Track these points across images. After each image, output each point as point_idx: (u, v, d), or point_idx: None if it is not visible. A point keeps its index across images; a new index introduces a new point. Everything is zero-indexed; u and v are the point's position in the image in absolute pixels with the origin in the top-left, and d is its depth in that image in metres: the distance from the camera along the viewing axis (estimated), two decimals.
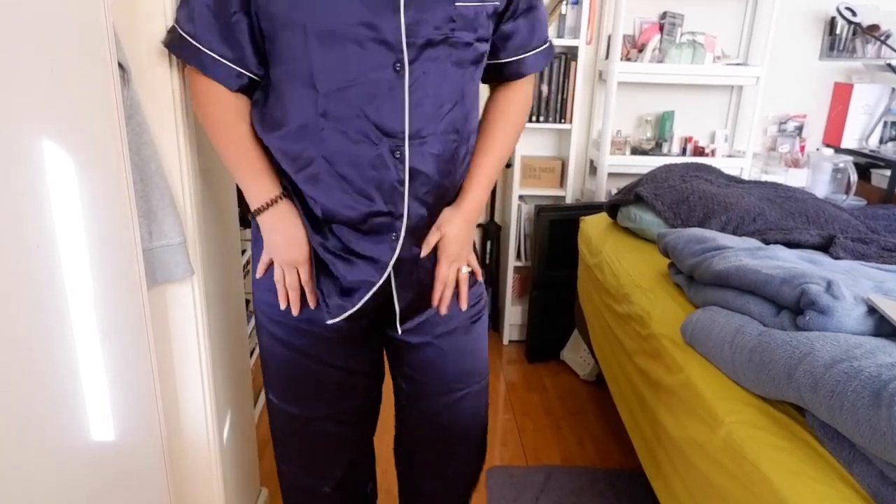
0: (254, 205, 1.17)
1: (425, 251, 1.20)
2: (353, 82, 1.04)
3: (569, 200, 3.03)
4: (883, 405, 0.97)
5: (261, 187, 1.16)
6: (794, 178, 2.96)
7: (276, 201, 1.16)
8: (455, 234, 1.21)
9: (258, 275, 1.24)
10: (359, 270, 1.17)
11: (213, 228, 1.45)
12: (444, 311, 1.26)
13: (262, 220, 1.17)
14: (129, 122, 1.14)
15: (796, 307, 1.29)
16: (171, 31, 1.12)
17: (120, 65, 1.09)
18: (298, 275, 1.19)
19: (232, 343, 1.60)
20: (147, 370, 1.19)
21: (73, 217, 0.93)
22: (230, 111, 1.14)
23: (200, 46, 1.08)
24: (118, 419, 1.06)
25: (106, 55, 1.03)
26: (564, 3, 2.77)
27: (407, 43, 1.04)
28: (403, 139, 1.09)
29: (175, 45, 1.11)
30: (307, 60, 1.04)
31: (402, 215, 1.14)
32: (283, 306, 1.22)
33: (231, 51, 1.08)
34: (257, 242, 1.25)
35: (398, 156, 1.09)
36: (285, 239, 1.17)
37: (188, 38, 1.08)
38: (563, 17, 2.81)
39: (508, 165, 3.03)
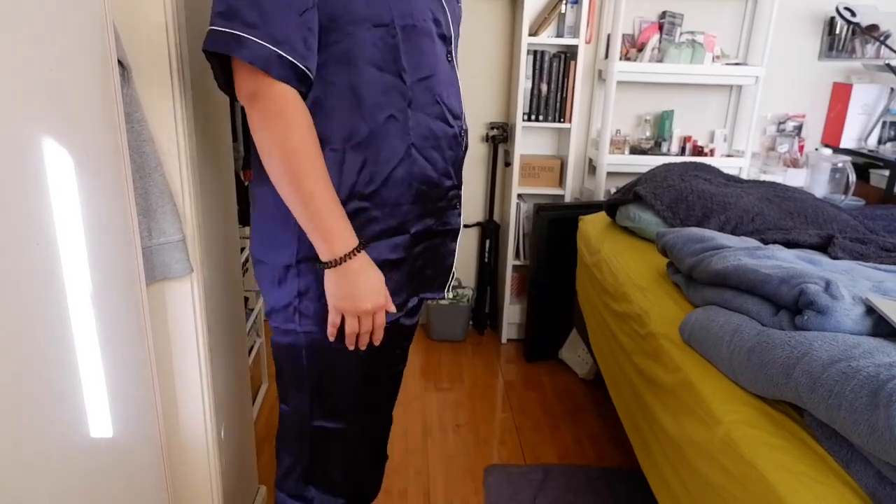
0: (340, 250, 1.06)
1: None
2: (432, 71, 1.13)
3: (568, 199, 3.03)
4: (881, 405, 0.98)
5: (347, 230, 1.07)
6: (793, 178, 2.97)
7: (362, 247, 1.09)
8: None
9: (333, 338, 1.15)
10: (444, 248, 1.28)
11: (213, 226, 1.45)
12: None
13: (350, 268, 1.08)
14: (129, 119, 1.14)
15: (795, 307, 1.30)
16: (224, 27, 0.97)
17: (120, 62, 1.09)
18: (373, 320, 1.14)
19: (231, 340, 1.60)
20: (146, 367, 1.19)
21: (72, 214, 0.93)
22: (311, 128, 1.05)
23: (278, 49, 0.98)
24: (116, 416, 1.06)
25: (106, 52, 1.03)
26: (564, 2, 2.77)
27: (453, 37, 1.19)
28: (462, 119, 1.24)
29: (236, 45, 0.97)
30: (393, 55, 1.08)
31: (461, 184, 1.27)
32: (351, 347, 1.16)
33: (308, 51, 1.02)
34: (309, 296, 1.15)
35: (462, 134, 1.23)
36: (372, 285, 1.10)
37: (256, 37, 0.96)
38: (562, 17, 2.81)
39: (507, 164, 3.03)
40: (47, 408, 0.88)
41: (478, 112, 3.08)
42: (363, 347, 1.15)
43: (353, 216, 1.10)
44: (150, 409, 1.21)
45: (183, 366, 1.37)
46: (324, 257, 1.07)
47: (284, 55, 0.98)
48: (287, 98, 1.01)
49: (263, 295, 1.22)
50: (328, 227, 1.05)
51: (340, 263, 1.07)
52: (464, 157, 1.26)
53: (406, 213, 1.16)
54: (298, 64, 1.00)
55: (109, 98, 1.04)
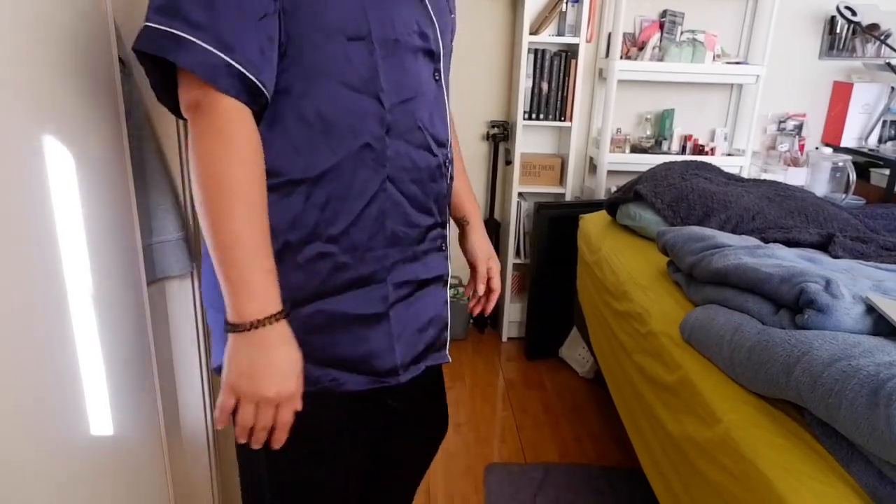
0: (253, 313, 0.84)
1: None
2: (414, 93, 0.99)
3: (568, 198, 3.03)
4: (881, 404, 0.98)
5: (270, 290, 0.86)
6: (794, 177, 2.97)
7: (283, 315, 0.87)
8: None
9: (220, 425, 0.89)
10: (430, 297, 1.09)
11: None
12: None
13: (258, 338, 0.85)
14: (130, 117, 1.14)
15: (795, 306, 1.30)
16: (163, 24, 0.80)
17: (121, 59, 1.09)
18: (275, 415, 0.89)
19: None
20: (146, 365, 1.19)
21: (73, 212, 0.93)
22: (257, 156, 0.86)
23: (226, 56, 0.81)
24: (117, 414, 1.06)
25: (107, 50, 1.03)
26: (564, 0, 2.77)
27: (442, 53, 1.04)
28: (448, 146, 1.08)
29: (176, 48, 0.80)
30: (371, 73, 0.93)
31: (446, 222, 1.11)
32: (241, 441, 0.90)
33: (264, 63, 0.85)
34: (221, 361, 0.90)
35: (447, 164, 1.07)
36: (283, 366, 0.87)
37: (201, 39, 0.80)
38: (563, 15, 2.81)
39: (508, 162, 3.03)
40: (48, 406, 0.88)
41: (478, 110, 3.08)
42: (257, 446, 0.90)
43: (315, 261, 0.94)
44: (151, 407, 1.21)
45: (183, 363, 1.37)
46: (231, 318, 0.85)
47: (234, 64, 0.81)
48: (231, 115, 0.83)
49: (214, 349, 1.01)
50: (246, 280, 0.84)
51: (249, 329, 0.84)
52: (450, 191, 1.11)
53: (381, 258, 0.99)
54: (251, 76, 0.83)
55: (111, 96, 1.04)
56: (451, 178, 1.11)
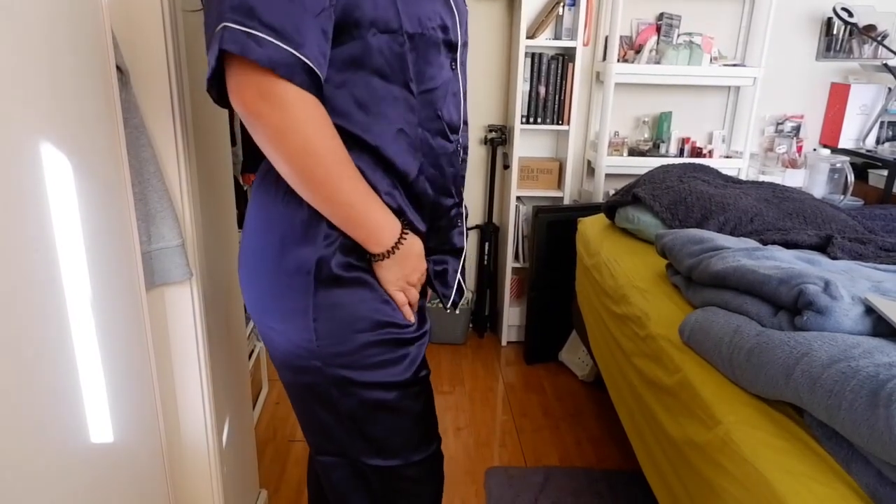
0: (391, 238, 1.03)
1: None
2: (435, 84, 1.07)
3: (566, 201, 3.03)
4: (881, 405, 0.98)
5: (389, 217, 1.04)
6: (792, 179, 2.97)
7: (404, 227, 1.06)
8: None
9: (412, 318, 1.12)
10: (450, 266, 1.23)
11: (212, 230, 1.45)
12: None
13: (401, 253, 1.05)
14: (128, 124, 1.14)
15: (794, 307, 1.30)
16: (240, 24, 0.86)
17: (118, 67, 1.09)
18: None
19: (231, 345, 1.60)
20: (146, 372, 1.19)
21: (71, 220, 0.93)
22: (331, 127, 0.96)
23: (298, 53, 0.88)
24: (117, 421, 1.06)
25: (104, 57, 1.03)
26: (561, 4, 2.77)
27: (459, 43, 1.13)
28: (461, 133, 1.18)
29: (253, 47, 0.86)
30: (400, 64, 1.00)
31: (462, 201, 1.22)
32: (412, 319, 1.12)
33: (321, 56, 0.93)
34: (360, 292, 1.06)
35: (460, 149, 1.18)
36: (418, 252, 1.09)
37: (277, 39, 0.86)
38: (559, 19, 2.81)
39: (506, 166, 3.04)
40: (48, 413, 0.88)
41: (476, 115, 3.09)
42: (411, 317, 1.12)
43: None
44: (151, 414, 1.21)
45: (183, 370, 1.37)
46: (376, 249, 1.03)
47: (305, 60, 0.88)
48: (305, 98, 0.91)
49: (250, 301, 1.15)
50: (374, 221, 1.01)
51: (393, 253, 1.04)
52: (464, 172, 1.23)
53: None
54: (316, 70, 0.91)
55: (108, 103, 1.05)
56: (465, 161, 1.22)
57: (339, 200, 0.98)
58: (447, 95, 1.10)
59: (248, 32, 0.85)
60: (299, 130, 0.91)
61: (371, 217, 1.01)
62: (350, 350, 1.05)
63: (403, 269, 1.07)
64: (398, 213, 1.06)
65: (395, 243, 1.04)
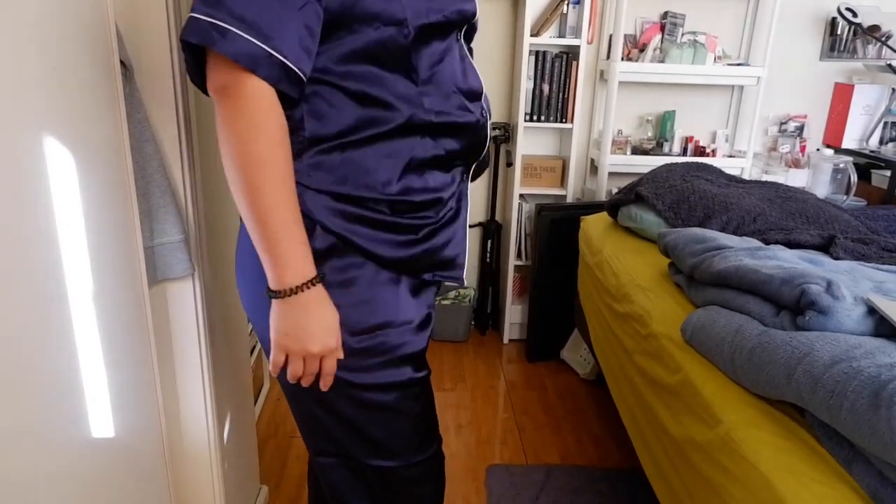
0: (291, 280, 0.94)
1: None
2: (440, 60, 1.03)
3: (569, 200, 3.03)
4: (882, 405, 0.97)
5: (304, 258, 0.95)
6: (795, 179, 2.97)
7: (318, 279, 0.97)
8: None
9: (275, 374, 1.03)
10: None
11: (214, 225, 1.45)
12: None
13: (300, 302, 0.95)
14: (131, 119, 1.14)
15: (796, 307, 1.30)
16: (207, 15, 0.85)
17: (122, 62, 1.09)
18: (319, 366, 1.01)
19: (233, 340, 1.60)
20: (148, 368, 1.19)
21: (74, 214, 0.93)
22: (284, 136, 0.93)
23: (265, 45, 0.86)
24: (118, 417, 1.06)
25: (108, 52, 1.03)
26: (565, 2, 2.77)
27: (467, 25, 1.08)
28: (482, 96, 1.12)
29: (217, 37, 0.85)
30: (404, 55, 0.98)
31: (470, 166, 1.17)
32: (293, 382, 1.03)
33: (302, 51, 0.91)
34: (355, 293, 1.03)
35: (483, 114, 1.12)
36: (324, 324, 0.98)
37: (242, 30, 0.85)
38: (564, 17, 2.81)
39: (509, 164, 3.03)
40: (49, 408, 0.88)
41: None
42: (306, 385, 1.02)
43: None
44: (153, 410, 1.21)
45: (184, 366, 1.38)
46: (273, 285, 0.94)
47: (273, 53, 0.86)
48: (261, 100, 0.88)
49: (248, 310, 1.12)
50: (283, 251, 0.92)
51: (290, 295, 0.94)
52: (488, 138, 1.19)
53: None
54: (290, 64, 0.88)
55: (111, 98, 1.05)
56: (489, 126, 1.16)
57: (256, 213, 0.91)
58: (457, 68, 1.06)
59: (214, 23, 0.85)
60: (242, 122, 0.88)
61: (282, 246, 0.92)
62: (347, 352, 1.04)
63: (296, 327, 0.96)
64: (344, 246, 1.01)
65: (297, 288, 0.94)
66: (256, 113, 0.88)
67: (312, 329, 0.96)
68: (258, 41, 0.86)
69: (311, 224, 0.99)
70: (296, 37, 0.88)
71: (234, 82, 0.87)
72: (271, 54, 0.86)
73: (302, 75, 0.91)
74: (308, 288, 0.95)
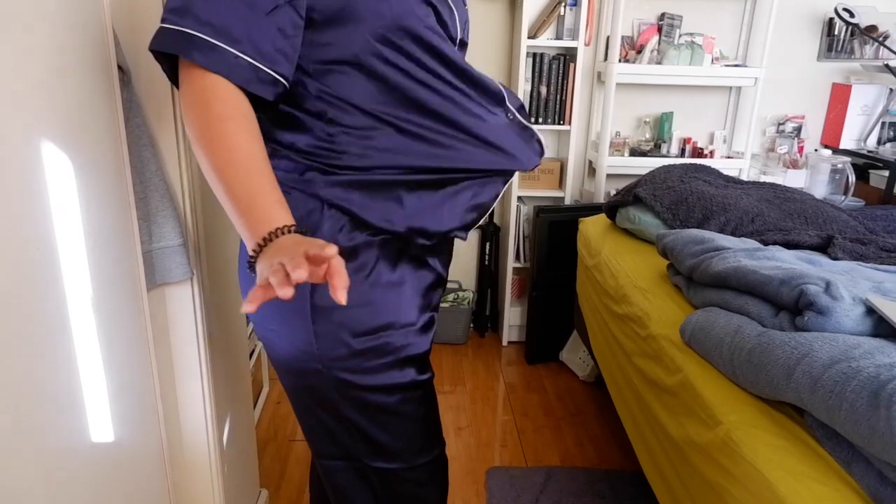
0: (263, 233, 0.84)
1: None
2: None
3: (568, 201, 3.03)
4: (881, 405, 0.98)
5: (274, 209, 0.87)
6: (793, 179, 2.97)
7: (294, 228, 0.87)
8: None
9: (248, 310, 0.78)
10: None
11: (213, 229, 1.45)
12: None
13: (275, 244, 0.83)
14: (129, 123, 1.14)
15: (795, 308, 1.30)
16: (175, 24, 0.88)
17: (119, 66, 1.09)
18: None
19: (232, 344, 1.60)
20: (147, 372, 1.19)
21: (73, 219, 0.93)
22: (240, 109, 0.90)
23: (234, 49, 0.87)
24: (118, 421, 1.06)
25: (106, 57, 1.03)
26: (563, 4, 2.77)
27: (460, 41, 1.13)
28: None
29: (185, 45, 0.87)
30: (390, 65, 0.99)
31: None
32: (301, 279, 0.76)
33: (277, 54, 0.92)
34: (359, 294, 1.01)
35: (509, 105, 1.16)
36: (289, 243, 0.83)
37: (208, 35, 0.86)
38: (561, 19, 2.81)
39: None
40: (49, 413, 0.88)
41: None
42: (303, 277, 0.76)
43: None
44: (152, 414, 1.21)
45: (183, 369, 1.37)
46: (250, 247, 0.85)
47: (242, 56, 0.87)
48: (216, 87, 0.87)
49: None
50: (254, 211, 0.86)
51: (264, 246, 0.83)
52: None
53: None
54: (263, 68, 0.89)
55: (110, 102, 1.05)
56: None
57: (220, 187, 0.88)
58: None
59: (182, 31, 0.86)
60: (195, 103, 0.88)
61: (253, 208, 0.86)
62: (350, 353, 1.04)
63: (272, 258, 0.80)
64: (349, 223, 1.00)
65: (270, 234, 0.84)
66: (203, 93, 0.88)
67: (285, 242, 0.83)
68: (226, 45, 0.87)
69: (318, 204, 1.00)
70: (267, 39, 0.89)
71: (196, 78, 0.88)
72: (239, 56, 0.87)
73: (276, 76, 0.91)
74: (283, 234, 0.84)
